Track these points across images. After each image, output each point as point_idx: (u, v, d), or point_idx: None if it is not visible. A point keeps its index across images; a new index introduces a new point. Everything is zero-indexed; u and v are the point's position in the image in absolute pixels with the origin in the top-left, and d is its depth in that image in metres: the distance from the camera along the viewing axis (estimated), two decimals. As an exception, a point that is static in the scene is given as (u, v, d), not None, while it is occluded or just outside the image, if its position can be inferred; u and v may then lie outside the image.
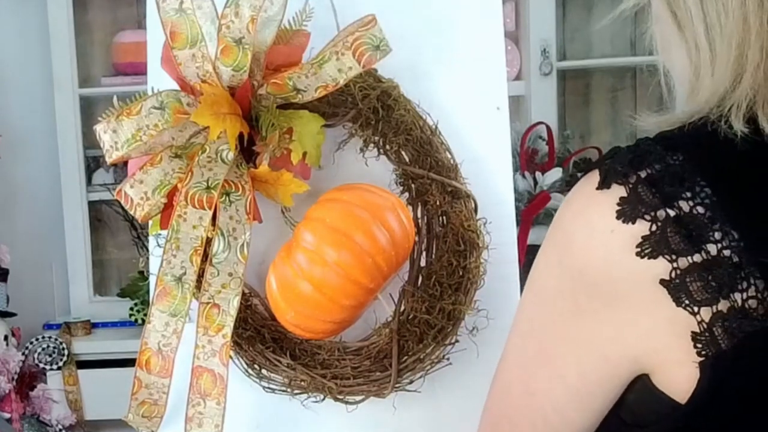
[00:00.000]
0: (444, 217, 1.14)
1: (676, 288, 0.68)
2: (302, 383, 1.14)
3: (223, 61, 1.07)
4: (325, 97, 1.11)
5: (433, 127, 1.17)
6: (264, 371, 1.15)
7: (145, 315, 1.13)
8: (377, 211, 1.07)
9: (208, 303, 1.08)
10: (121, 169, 2.80)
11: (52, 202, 2.89)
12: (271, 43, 1.09)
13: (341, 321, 1.08)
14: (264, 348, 1.14)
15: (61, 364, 2.75)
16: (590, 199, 0.73)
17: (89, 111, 2.91)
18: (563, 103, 2.95)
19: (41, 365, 2.74)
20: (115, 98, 1.10)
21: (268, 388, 1.16)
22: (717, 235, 0.68)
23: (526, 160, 2.72)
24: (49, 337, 2.76)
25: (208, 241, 1.08)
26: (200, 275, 1.08)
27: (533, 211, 2.63)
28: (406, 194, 1.15)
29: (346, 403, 1.14)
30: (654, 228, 0.69)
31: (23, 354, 2.70)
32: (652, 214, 0.69)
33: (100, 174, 2.96)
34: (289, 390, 1.15)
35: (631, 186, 0.70)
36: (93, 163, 2.96)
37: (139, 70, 2.42)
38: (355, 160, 1.17)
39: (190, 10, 1.08)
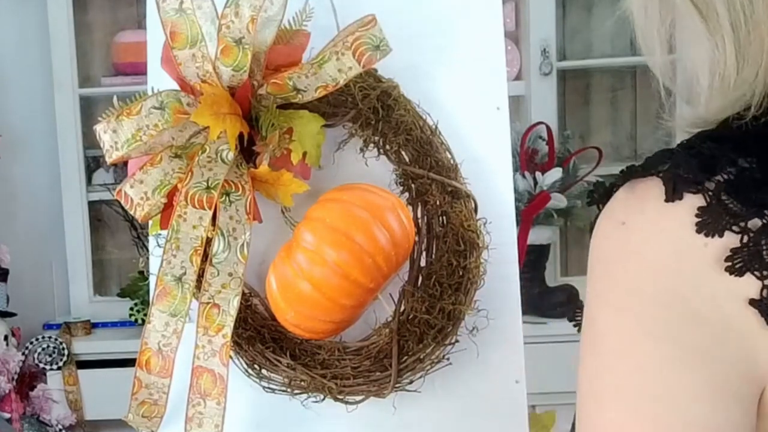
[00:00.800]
0: (444, 217, 1.14)
1: None
2: (302, 383, 1.14)
3: (223, 61, 1.07)
4: (325, 97, 1.11)
5: (433, 127, 1.17)
6: (264, 371, 1.15)
7: (145, 315, 1.13)
8: (377, 211, 1.07)
9: (208, 303, 1.08)
10: (121, 169, 2.80)
11: (52, 202, 2.90)
12: (271, 43, 1.09)
13: (341, 321, 1.08)
14: (264, 348, 1.14)
15: (61, 364, 2.75)
16: (661, 214, 0.62)
17: (89, 111, 2.91)
18: (563, 103, 2.95)
19: (41, 365, 2.74)
20: (115, 98, 1.10)
21: (268, 388, 1.16)
22: None
23: (526, 160, 2.72)
24: (49, 337, 2.76)
25: (208, 241, 1.08)
26: (200, 275, 1.08)
27: (533, 211, 2.64)
28: (406, 194, 1.15)
29: (346, 403, 1.14)
30: (746, 239, 0.60)
31: (23, 354, 2.70)
32: (742, 224, 0.60)
33: (100, 174, 2.96)
34: (289, 390, 1.15)
35: (711, 193, 0.61)
36: (93, 163, 2.96)
37: (139, 70, 2.42)
38: (355, 160, 1.17)
39: (190, 10, 1.08)
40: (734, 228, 0.60)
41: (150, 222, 1.12)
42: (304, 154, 1.09)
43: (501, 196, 1.21)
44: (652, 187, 0.63)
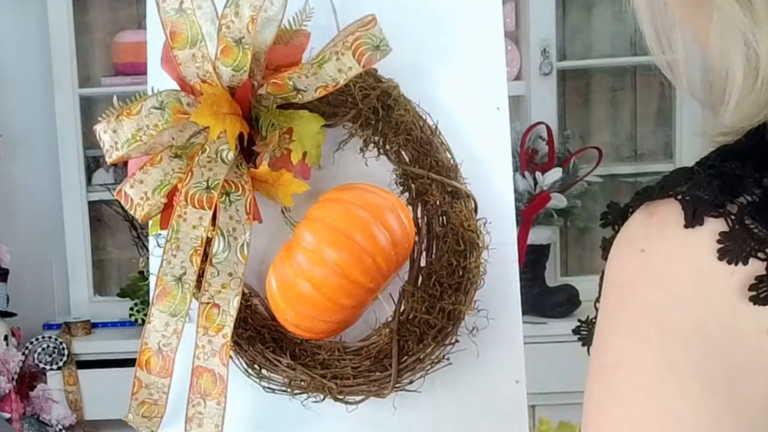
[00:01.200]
0: (444, 217, 1.14)
1: None
2: (302, 383, 1.14)
3: (223, 61, 1.07)
4: (325, 97, 1.11)
5: (433, 127, 1.17)
6: (264, 371, 1.15)
7: (145, 315, 1.13)
8: (377, 211, 1.07)
9: (208, 303, 1.08)
10: (121, 169, 2.80)
11: (52, 202, 2.90)
12: (271, 43, 1.09)
13: (341, 321, 1.08)
14: (264, 348, 1.14)
15: (61, 364, 2.75)
16: (681, 240, 0.58)
17: (89, 111, 2.91)
18: (563, 103, 2.95)
19: (41, 365, 2.74)
20: (115, 98, 1.10)
21: (268, 388, 1.16)
22: None
23: (526, 160, 2.72)
24: (49, 337, 2.76)
25: (208, 241, 1.08)
26: (200, 275, 1.08)
27: (533, 211, 2.64)
28: (406, 194, 1.15)
29: (346, 403, 1.14)
30: None
31: (23, 354, 2.70)
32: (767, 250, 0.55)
33: (100, 174, 2.96)
34: (289, 390, 1.15)
35: (733, 218, 0.56)
36: (93, 163, 2.96)
37: (139, 70, 2.42)
38: (355, 160, 1.17)
39: (190, 10, 1.08)
40: (759, 255, 0.56)
41: (150, 222, 1.12)
42: (304, 154, 1.09)
43: (501, 196, 1.21)
44: (671, 211, 0.58)
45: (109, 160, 1.09)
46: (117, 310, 2.89)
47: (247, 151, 1.11)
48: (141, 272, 2.81)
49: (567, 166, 2.73)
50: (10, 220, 2.90)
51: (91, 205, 2.93)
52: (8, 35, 2.91)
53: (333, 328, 1.09)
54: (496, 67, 1.24)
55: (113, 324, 2.90)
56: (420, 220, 1.15)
